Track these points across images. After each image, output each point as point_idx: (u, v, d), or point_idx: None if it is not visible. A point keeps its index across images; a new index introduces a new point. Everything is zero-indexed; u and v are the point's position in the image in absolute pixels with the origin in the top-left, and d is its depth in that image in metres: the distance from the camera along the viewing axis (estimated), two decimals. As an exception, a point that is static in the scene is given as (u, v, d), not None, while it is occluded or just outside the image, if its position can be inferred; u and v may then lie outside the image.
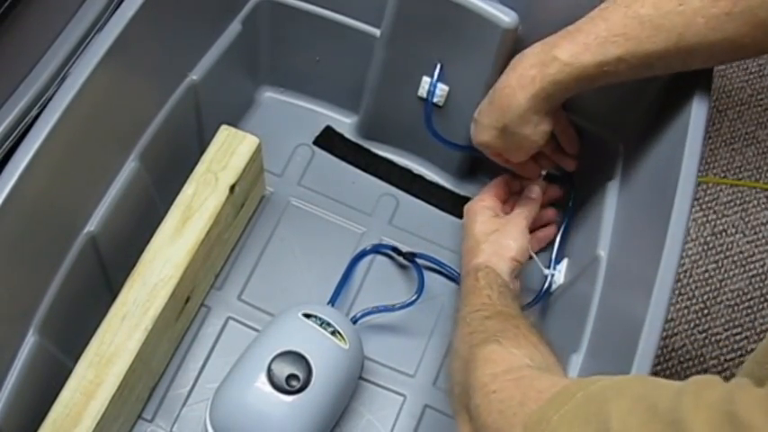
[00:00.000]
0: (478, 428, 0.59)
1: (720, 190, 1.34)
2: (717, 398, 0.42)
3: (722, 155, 1.39)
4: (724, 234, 1.31)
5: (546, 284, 0.86)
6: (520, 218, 0.84)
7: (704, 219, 1.30)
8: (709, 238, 1.30)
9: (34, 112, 0.75)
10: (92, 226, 0.76)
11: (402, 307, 0.83)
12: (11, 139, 0.74)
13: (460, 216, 0.89)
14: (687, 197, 0.67)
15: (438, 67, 0.84)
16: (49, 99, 0.76)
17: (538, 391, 0.54)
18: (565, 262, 0.87)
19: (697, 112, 0.70)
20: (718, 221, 1.31)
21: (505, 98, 0.75)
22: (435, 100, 0.87)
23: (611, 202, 0.83)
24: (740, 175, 1.36)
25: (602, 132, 0.85)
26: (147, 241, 0.78)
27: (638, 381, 0.50)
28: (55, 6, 0.79)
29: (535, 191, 0.87)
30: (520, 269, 0.82)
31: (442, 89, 0.86)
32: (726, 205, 1.33)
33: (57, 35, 0.78)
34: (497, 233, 0.82)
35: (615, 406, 0.46)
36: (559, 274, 0.86)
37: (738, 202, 1.33)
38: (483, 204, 0.86)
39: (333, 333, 0.78)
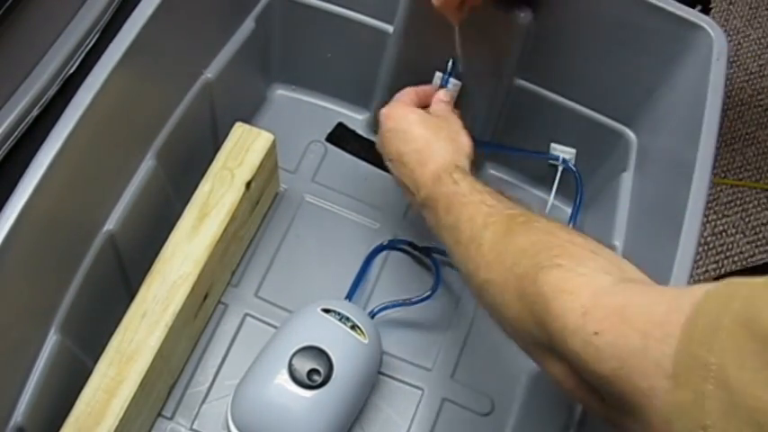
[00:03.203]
0: (593, 368, 0.47)
1: (720, 190, 1.34)
2: None
3: (722, 155, 1.40)
4: (724, 234, 1.31)
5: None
6: (453, 114, 0.77)
7: (704, 219, 1.31)
8: (709, 239, 1.30)
9: (35, 113, 0.76)
10: (110, 224, 0.76)
11: (419, 301, 0.84)
12: (11, 139, 0.74)
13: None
14: (703, 186, 0.68)
15: (450, 62, 0.85)
16: (50, 99, 0.76)
17: (652, 319, 0.44)
18: (579, 254, 0.88)
19: (712, 101, 0.71)
20: (719, 221, 1.32)
21: None
22: (447, 95, 0.87)
23: (625, 193, 0.83)
24: (740, 176, 1.36)
25: (615, 122, 0.86)
26: (164, 239, 0.78)
27: None
28: (55, 6, 0.79)
29: (446, 94, 0.81)
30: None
31: (454, 84, 0.86)
32: (726, 205, 1.33)
33: (57, 35, 0.79)
34: (446, 130, 0.74)
35: None
36: (574, 266, 0.87)
37: (738, 202, 1.34)
38: (408, 106, 0.77)
39: (352, 327, 0.78)
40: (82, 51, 0.80)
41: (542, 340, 0.52)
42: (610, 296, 0.48)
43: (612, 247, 0.80)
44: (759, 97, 1.44)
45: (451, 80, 0.86)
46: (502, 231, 0.59)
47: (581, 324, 0.48)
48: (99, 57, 0.69)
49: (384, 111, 0.77)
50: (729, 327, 0.39)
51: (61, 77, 0.78)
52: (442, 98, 0.81)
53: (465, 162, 0.71)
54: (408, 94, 0.80)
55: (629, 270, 0.53)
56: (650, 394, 0.43)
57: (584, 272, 0.51)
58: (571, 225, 0.90)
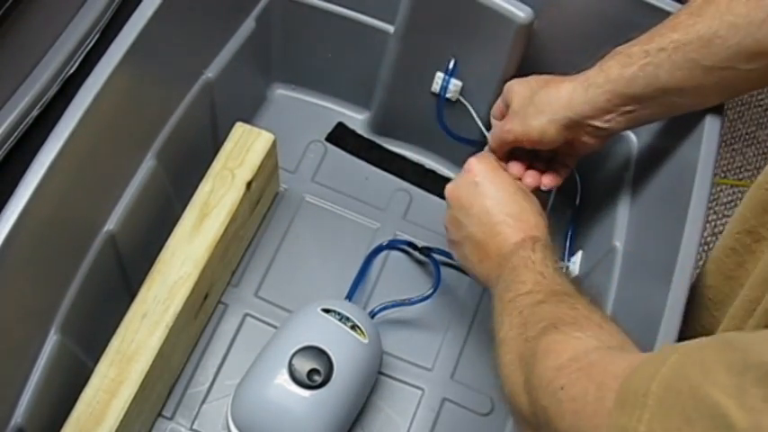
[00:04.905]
0: (555, 425, 0.50)
1: (720, 190, 1.34)
2: None
3: (722, 155, 1.40)
4: (724, 234, 1.31)
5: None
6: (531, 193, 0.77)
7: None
8: (709, 239, 1.30)
9: (35, 113, 0.75)
10: (111, 225, 0.76)
11: (419, 301, 0.84)
12: (12, 139, 0.74)
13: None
14: (705, 187, 0.68)
15: (452, 62, 0.85)
16: (50, 100, 0.76)
17: (616, 377, 0.45)
18: (579, 254, 0.88)
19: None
20: (719, 222, 1.31)
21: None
22: (448, 95, 0.87)
23: (626, 194, 0.83)
24: (740, 176, 1.36)
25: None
26: (164, 239, 0.78)
27: (714, 347, 0.41)
28: (55, 7, 0.79)
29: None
30: None
31: (455, 84, 0.86)
32: (726, 205, 1.33)
33: (57, 35, 0.79)
34: (535, 203, 0.75)
35: (715, 389, 0.38)
36: (574, 266, 0.87)
37: (738, 202, 1.34)
38: (497, 165, 0.77)
39: (352, 327, 0.78)
40: (82, 51, 0.79)
41: (525, 403, 0.54)
42: (586, 356, 0.51)
43: (612, 248, 0.80)
44: (759, 97, 1.44)
45: (452, 80, 0.86)
46: (536, 301, 0.62)
47: (552, 378, 0.51)
48: (99, 57, 0.69)
49: (473, 161, 0.76)
50: (656, 393, 0.41)
51: (61, 77, 0.78)
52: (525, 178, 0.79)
53: (547, 238, 0.72)
54: (489, 155, 0.79)
55: (630, 349, 0.54)
56: None
57: (578, 336, 0.54)
58: (571, 227, 0.90)
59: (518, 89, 0.76)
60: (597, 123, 0.71)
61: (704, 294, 0.72)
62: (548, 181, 0.79)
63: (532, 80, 0.76)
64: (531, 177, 0.79)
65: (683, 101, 0.68)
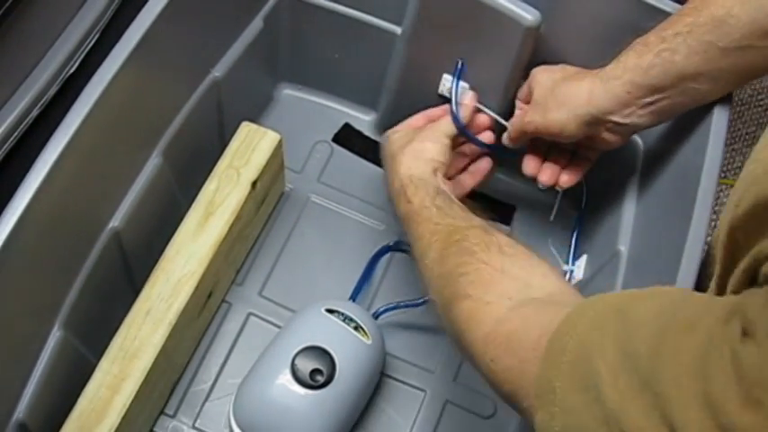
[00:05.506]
0: (498, 391, 0.53)
1: (720, 190, 1.33)
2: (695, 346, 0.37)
3: (723, 155, 1.39)
4: (724, 234, 1.31)
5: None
6: (435, 126, 0.80)
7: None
8: (709, 239, 1.30)
9: (35, 113, 0.76)
10: (116, 221, 0.76)
11: (423, 302, 0.84)
12: (12, 139, 0.74)
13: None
14: (710, 191, 0.68)
15: (459, 64, 0.85)
16: (50, 99, 0.76)
17: (528, 344, 0.49)
18: (584, 258, 0.88)
19: (720, 108, 0.71)
20: (719, 222, 1.31)
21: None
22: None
23: (630, 198, 0.83)
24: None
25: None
26: (169, 237, 0.78)
27: (616, 316, 0.43)
28: (55, 7, 0.79)
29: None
30: (444, 170, 0.77)
31: (462, 87, 0.86)
32: (726, 206, 1.32)
33: (57, 35, 0.79)
34: (412, 142, 0.77)
35: (601, 362, 0.41)
36: (579, 270, 0.87)
37: (738, 202, 1.33)
38: (396, 129, 0.82)
39: (356, 328, 0.78)
40: (82, 51, 0.80)
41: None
42: (504, 324, 0.53)
43: (617, 253, 0.80)
44: (759, 97, 1.43)
45: (459, 83, 0.86)
46: (439, 251, 0.64)
47: (483, 352, 0.54)
48: (99, 57, 0.69)
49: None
50: (571, 351, 0.44)
51: (61, 77, 0.78)
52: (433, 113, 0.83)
53: (421, 167, 0.74)
54: (414, 119, 0.83)
55: (537, 283, 0.57)
56: (530, 414, 0.47)
57: (490, 299, 0.56)
58: (575, 231, 0.90)
59: (541, 79, 0.77)
60: (617, 119, 0.71)
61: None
62: (566, 179, 0.81)
63: (557, 70, 0.76)
64: (546, 176, 0.81)
65: (701, 87, 0.68)
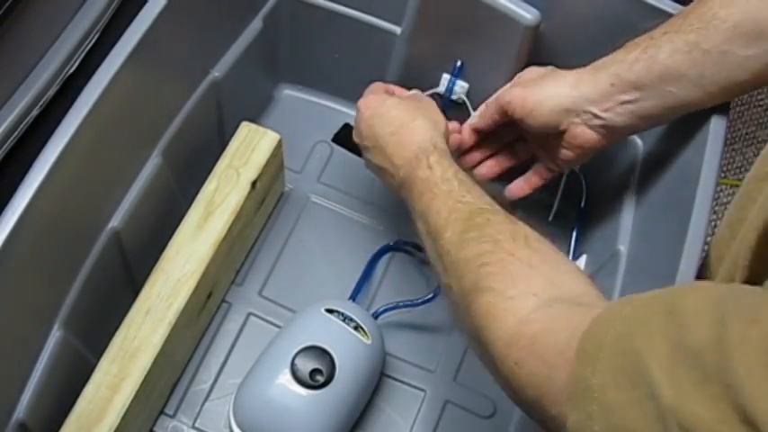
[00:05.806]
0: (520, 396, 0.51)
1: (720, 190, 1.33)
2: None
3: (722, 155, 1.39)
4: (724, 234, 1.31)
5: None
6: (426, 96, 0.79)
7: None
8: (709, 239, 1.29)
9: (35, 113, 0.76)
10: (115, 221, 0.76)
11: (423, 302, 0.84)
12: (11, 139, 0.74)
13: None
14: (708, 191, 0.68)
15: (458, 64, 0.85)
16: (50, 99, 0.76)
17: (556, 347, 0.47)
18: (584, 258, 0.88)
19: (719, 109, 0.71)
20: (719, 221, 1.31)
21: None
22: (454, 97, 0.87)
23: (630, 198, 0.83)
24: (740, 176, 1.35)
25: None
26: (168, 237, 0.78)
27: (661, 310, 0.42)
28: (55, 6, 0.79)
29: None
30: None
31: (461, 86, 0.86)
32: (726, 206, 1.32)
33: (57, 35, 0.79)
34: (422, 108, 0.75)
35: (651, 357, 0.40)
36: (579, 270, 0.87)
37: (738, 202, 1.33)
38: (383, 93, 0.79)
39: (355, 328, 0.78)
40: (82, 51, 0.79)
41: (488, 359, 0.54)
42: (528, 325, 0.51)
43: (616, 252, 0.80)
44: (759, 97, 1.43)
45: (458, 82, 0.86)
46: (458, 234, 0.60)
47: (505, 354, 0.51)
48: (99, 57, 0.69)
49: (360, 102, 0.78)
50: (609, 348, 0.42)
51: (61, 77, 0.78)
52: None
53: (441, 140, 0.71)
54: (380, 86, 0.82)
55: (564, 282, 0.54)
56: (559, 422, 0.45)
57: (512, 294, 0.53)
58: (574, 231, 0.90)
59: (532, 69, 0.77)
60: (596, 110, 0.71)
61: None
62: (517, 187, 0.82)
63: (549, 68, 0.76)
64: (486, 168, 0.82)
65: (683, 94, 0.68)
